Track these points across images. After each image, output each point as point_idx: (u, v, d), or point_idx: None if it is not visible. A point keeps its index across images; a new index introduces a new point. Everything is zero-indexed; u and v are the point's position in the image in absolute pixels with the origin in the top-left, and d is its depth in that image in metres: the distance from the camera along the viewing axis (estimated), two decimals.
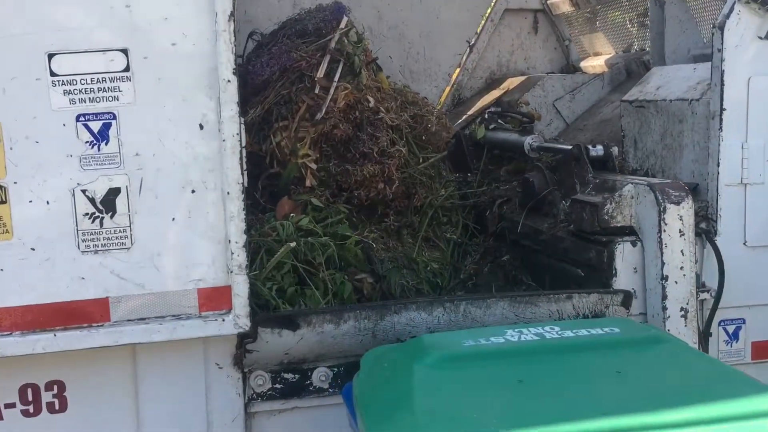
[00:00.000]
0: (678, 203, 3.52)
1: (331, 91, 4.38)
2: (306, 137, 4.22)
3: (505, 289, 4.38)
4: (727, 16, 3.66)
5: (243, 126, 3.13)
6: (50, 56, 2.88)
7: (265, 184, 4.30)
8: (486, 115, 5.79)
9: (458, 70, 6.88)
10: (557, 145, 4.68)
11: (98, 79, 2.92)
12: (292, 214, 3.60)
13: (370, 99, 4.53)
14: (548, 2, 7.01)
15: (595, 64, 6.75)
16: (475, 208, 5.09)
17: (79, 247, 2.96)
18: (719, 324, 3.78)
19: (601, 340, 2.67)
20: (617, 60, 6.38)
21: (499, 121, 5.67)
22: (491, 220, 4.88)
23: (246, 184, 3.17)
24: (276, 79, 4.37)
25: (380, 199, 4.39)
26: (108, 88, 2.93)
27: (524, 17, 7.04)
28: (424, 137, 4.81)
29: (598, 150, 4.16)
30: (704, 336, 3.72)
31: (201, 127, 3.01)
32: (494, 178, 5.41)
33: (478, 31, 6.88)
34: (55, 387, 3.17)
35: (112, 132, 2.95)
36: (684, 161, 4.06)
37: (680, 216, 3.52)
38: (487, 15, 6.91)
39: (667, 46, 5.33)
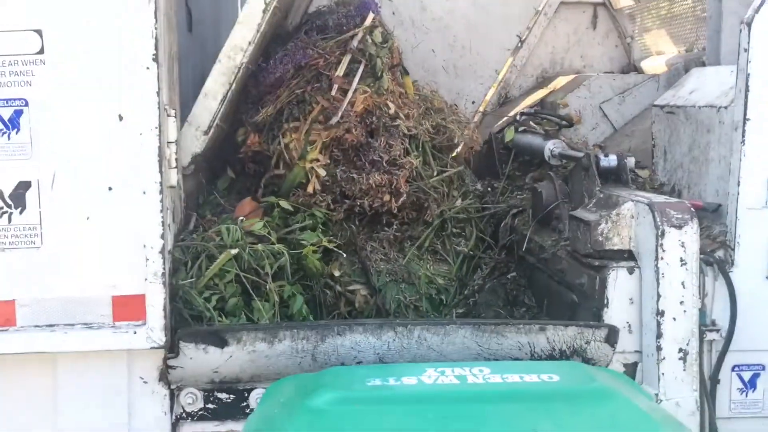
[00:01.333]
0: (680, 227, 3.01)
1: (349, 94, 4.01)
2: (317, 141, 3.88)
3: (503, 310, 3.95)
4: (757, 10, 3.10)
5: (174, 119, 2.85)
6: None
7: (267, 183, 4.00)
8: (519, 117, 5.33)
9: (506, 66, 6.39)
10: (574, 153, 4.19)
11: (9, 62, 2.68)
12: (241, 218, 3.29)
13: (391, 105, 4.13)
14: None
15: (656, 64, 6.13)
16: (494, 217, 4.65)
17: None
18: (732, 369, 3.23)
19: (531, 389, 2.23)
20: (677, 60, 5.76)
21: (532, 123, 5.20)
22: (503, 232, 4.43)
23: (174, 184, 2.88)
24: (290, 77, 4.04)
25: (385, 210, 4.03)
26: (20, 72, 2.69)
27: (582, 11, 6.46)
28: (444, 148, 4.40)
29: (610, 160, 3.67)
30: (712, 383, 3.18)
31: (120, 118, 2.74)
32: (519, 185, 4.96)
33: (530, 25, 6.36)
34: None
35: (23, 120, 2.72)
36: (710, 177, 3.51)
37: (682, 242, 3.00)
38: (540, 8, 6.38)
39: (724, 45, 4.71)
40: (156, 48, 2.67)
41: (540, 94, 6.08)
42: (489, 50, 6.35)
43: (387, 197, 3.97)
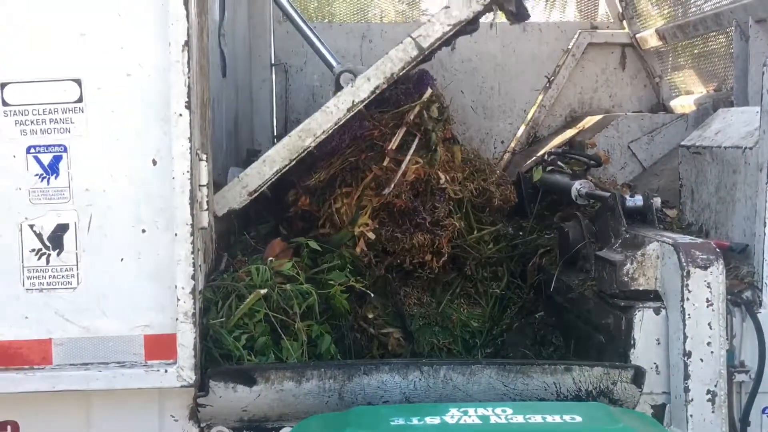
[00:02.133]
0: (705, 268, 3.01)
1: (403, 166, 4.08)
2: (368, 206, 3.97)
3: (531, 350, 3.95)
4: None
5: (206, 163, 2.93)
6: (3, 85, 2.79)
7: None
8: (546, 157, 5.36)
9: (535, 107, 6.46)
10: (600, 193, 4.21)
11: (50, 110, 2.80)
12: (271, 258, 3.36)
13: (441, 176, 4.20)
14: (637, 36, 6.47)
15: (685, 103, 6.14)
16: (523, 257, 4.67)
17: (23, 285, 2.83)
18: (763, 411, 3.20)
19: (553, 430, 2.24)
20: (706, 100, 5.77)
21: (559, 163, 5.23)
22: (531, 271, 4.45)
23: (206, 225, 2.97)
24: (345, 146, 4.15)
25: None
26: (60, 119, 2.81)
27: (611, 52, 6.52)
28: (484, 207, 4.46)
29: (636, 200, 3.69)
30: (742, 425, 3.15)
31: (154, 162, 2.83)
32: (548, 225, 4.98)
33: (559, 65, 6.43)
34: (9, 428, 3.04)
35: (62, 165, 2.82)
36: (736, 218, 3.51)
37: (707, 283, 3.01)
38: (569, 49, 6.45)
39: (751, 85, 4.73)
40: (188, 96, 2.77)
41: (568, 133, 6.12)
42: (517, 91, 6.43)
43: (429, 257, 4.03)
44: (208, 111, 3.22)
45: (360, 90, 3.51)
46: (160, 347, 2.87)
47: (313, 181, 4.02)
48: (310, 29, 4.86)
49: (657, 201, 3.69)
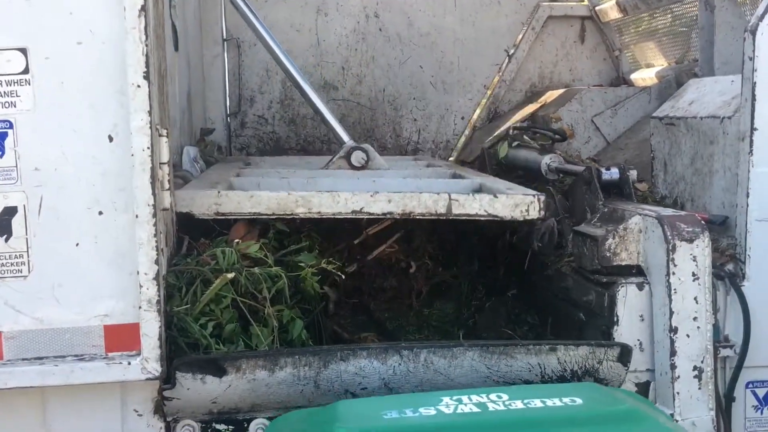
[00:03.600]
0: (691, 241, 2.92)
1: None
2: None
3: (506, 329, 3.85)
4: (761, 17, 3.04)
5: (166, 139, 2.72)
6: None
7: None
8: (511, 132, 5.25)
9: (495, 81, 6.33)
10: (572, 167, 4.11)
11: None
12: (237, 240, 3.17)
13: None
14: (597, 8, 6.38)
15: (646, 76, 6.09)
16: (493, 236, 4.55)
17: None
18: (746, 386, 3.15)
19: (558, 415, 2.12)
20: (668, 72, 5.72)
21: (525, 138, 5.12)
22: (501, 249, 4.33)
23: (168, 206, 2.76)
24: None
25: None
26: (4, 92, 2.56)
27: (570, 25, 6.43)
28: None
29: (612, 173, 3.59)
30: (726, 400, 3.09)
31: (110, 138, 2.61)
32: None
33: (518, 39, 6.31)
34: None
35: (8, 143, 2.58)
36: (714, 189, 3.44)
37: (693, 256, 2.92)
38: (529, 22, 6.34)
39: (717, 56, 4.68)
40: (147, 65, 2.55)
41: (530, 108, 6.02)
42: (477, 65, 6.30)
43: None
44: (166, 84, 3.00)
45: (376, 203, 3.34)
46: (122, 338, 2.66)
47: None
48: (317, 96, 4.66)
49: (633, 174, 3.60)
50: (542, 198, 3.41)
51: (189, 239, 3.29)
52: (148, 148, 2.57)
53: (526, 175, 5.01)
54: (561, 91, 5.97)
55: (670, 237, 2.92)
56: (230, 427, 2.92)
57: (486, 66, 6.31)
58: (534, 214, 3.38)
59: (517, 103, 6.40)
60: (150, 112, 2.56)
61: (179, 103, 4.42)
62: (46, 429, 2.81)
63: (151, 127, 2.58)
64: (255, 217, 3.28)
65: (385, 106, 6.22)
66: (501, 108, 6.41)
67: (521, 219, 3.39)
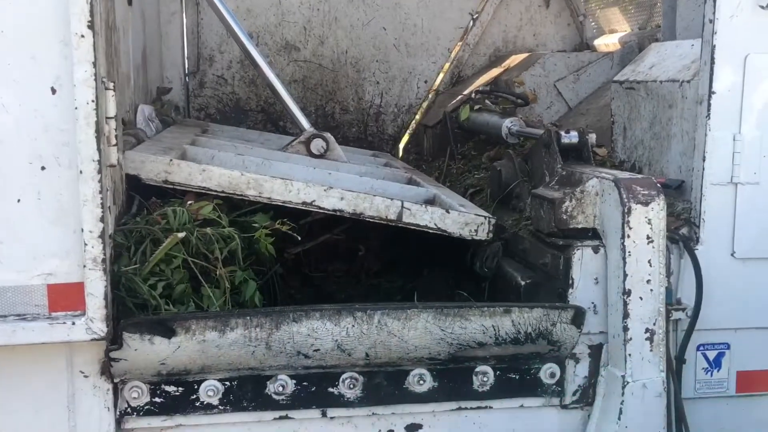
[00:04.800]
0: (646, 204, 2.91)
1: None
2: None
3: (444, 297, 3.79)
4: None
5: (113, 93, 2.63)
6: None
7: None
8: (473, 95, 5.21)
9: (459, 45, 6.27)
10: (532, 130, 4.09)
11: None
12: (189, 202, 3.09)
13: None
14: None
15: (609, 42, 6.08)
16: None
17: None
18: (697, 349, 3.17)
19: None
20: (631, 38, 5.70)
21: (487, 102, 5.09)
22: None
23: (115, 162, 2.68)
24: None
25: None
26: None
27: None
28: None
29: (571, 137, 3.56)
30: (678, 362, 3.11)
31: (53, 91, 2.52)
32: (475, 165, 4.85)
33: (483, 2, 6.24)
34: None
35: None
36: (672, 153, 3.43)
37: (648, 219, 2.91)
38: None
39: (680, 20, 4.65)
40: (91, 14, 2.45)
41: (493, 72, 5.97)
42: (441, 28, 6.22)
43: None
44: (114, 36, 2.90)
45: (328, 198, 3.33)
46: (66, 297, 2.59)
47: None
48: (275, 75, 4.52)
49: (592, 137, 3.57)
50: (493, 221, 3.45)
51: (140, 198, 3.21)
52: (93, 101, 2.48)
53: (486, 139, 5.00)
54: (524, 55, 5.93)
55: (625, 199, 2.90)
56: (180, 388, 2.88)
57: (450, 29, 6.24)
58: (482, 235, 3.42)
59: (481, 67, 6.35)
60: (95, 64, 2.47)
61: (133, 59, 4.30)
62: None
63: (96, 80, 2.48)
64: (204, 191, 3.21)
65: (348, 68, 6.13)
66: (464, 72, 6.36)
67: (469, 238, 3.41)
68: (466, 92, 5.66)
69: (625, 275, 2.92)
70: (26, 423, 2.78)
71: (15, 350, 2.69)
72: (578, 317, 2.92)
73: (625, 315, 2.93)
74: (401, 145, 6.22)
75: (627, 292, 2.92)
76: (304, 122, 4.44)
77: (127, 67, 4.09)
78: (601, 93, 5.46)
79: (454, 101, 5.64)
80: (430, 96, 6.23)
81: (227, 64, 5.94)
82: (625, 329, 2.94)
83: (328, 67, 6.07)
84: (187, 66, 5.87)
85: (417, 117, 6.22)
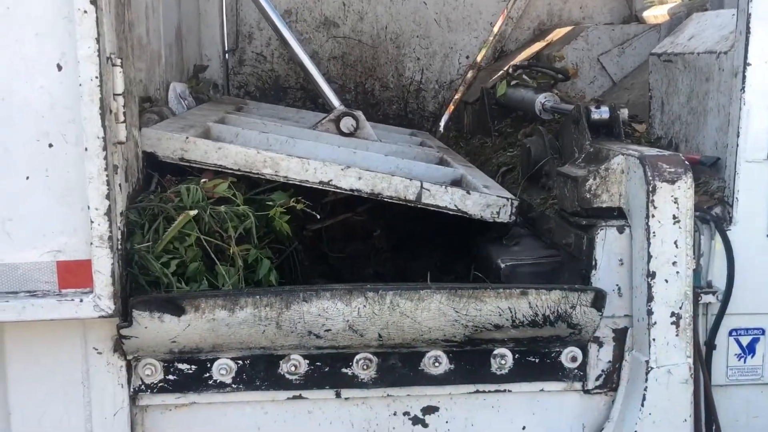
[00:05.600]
0: (672, 182, 2.77)
1: None
2: None
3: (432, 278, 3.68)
4: None
5: (120, 69, 2.61)
6: None
7: None
8: (511, 71, 5.07)
9: (502, 18, 6.10)
10: (566, 106, 3.95)
11: None
12: (204, 180, 3.07)
13: None
14: None
15: (658, 13, 5.82)
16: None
17: None
18: (729, 334, 3.02)
19: None
20: (681, 9, 5.46)
21: (525, 77, 4.94)
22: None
23: (123, 139, 2.66)
24: None
25: None
26: None
27: None
28: None
29: (602, 112, 3.42)
30: (707, 348, 2.97)
31: (59, 68, 2.50)
32: (511, 142, 4.72)
33: None
34: None
35: None
36: (708, 129, 3.26)
37: (675, 198, 2.77)
38: None
39: None
40: None
41: (536, 47, 5.80)
42: (483, 1, 6.07)
43: None
44: (127, 12, 2.87)
45: (345, 178, 3.25)
46: (75, 275, 2.60)
47: None
48: (304, 52, 4.48)
49: (624, 113, 3.42)
50: (516, 203, 3.33)
51: (158, 177, 3.20)
52: (97, 77, 2.46)
53: (524, 116, 4.86)
54: (568, 29, 5.74)
55: (650, 177, 2.77)
56: (193, 366, 2.88)
57: (492, 2, 6.08)
58: (504, 217, 3.31)
59: (524, 41, 6.18)
60: (98, 40, 2.45)
61: (164, 37, 4.29)
62: (3, 364, 2.78)
63: (99, 56, 2.46)
64: (220, 169, 3.18)
65: (388, 44, 6.03)
66: (507, 47, 6.19)
67: (490, 220, 3.30)
68: (506, 68, 5.52)
69: (650, 256, 2.79)
70: (42, 398, 2.81)
71: (31, 326, 2.72)
72: (599, 300, 2.81)
73: (650, 298, 2.80)
74: (442, 123, 6.12)
75: (651, 274, 2.79)
76: (334, 100, 4.39)
77: (157, 44, 4.08)
78: (647, 67, 5.25)
79: (494, 77, 5.50)
80: (471, 72, 6.09)
81: (266, 41, 5.91)
82: (650, 313, 2.81)
83: (368, 43, 5.99)
84: (226, 43, 5.86)
85: (458, 93, 6.10)
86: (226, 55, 5.88)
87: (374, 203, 3.49)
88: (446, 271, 3.55)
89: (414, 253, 3.75)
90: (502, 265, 3.15)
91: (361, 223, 3.76)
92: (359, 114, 4.28)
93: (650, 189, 2.76)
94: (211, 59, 5.73)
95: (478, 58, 6.11)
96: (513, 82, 4.91)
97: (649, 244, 2.78)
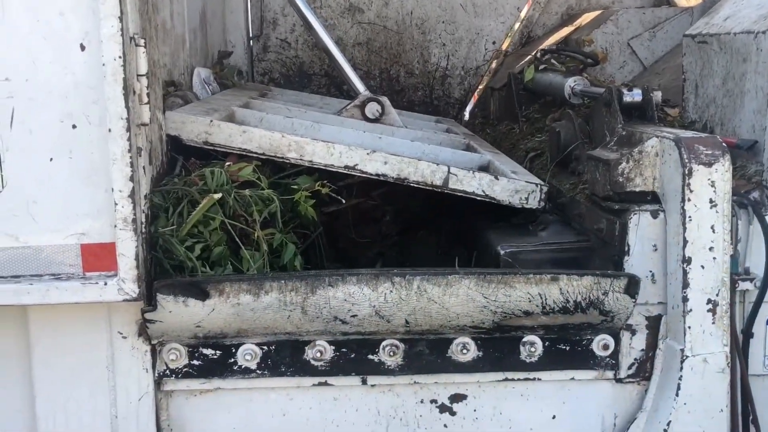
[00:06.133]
0: (710, 165, 2.69)
1: None
2: None
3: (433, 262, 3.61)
4: None
5: (144, 50, 2.57)
6: None
7: None
8: (540, 55, 4.98)
9: (529, 3, 6.00)
10: (596, 89, 3.86)
11: None
12: (228, 163, 3.03)
13: None
14: None
15: None
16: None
17: None
18: (767, 322, 2.93)
19: None
20: None
21: (553, 61, 4.85)
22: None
23: (147, 121, 2.62)
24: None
25: None
26: None
27: None
28: None
29: (634, 95, 3.34)
30: (744, 336, 2.89)
31: (82, 47, 2.47)
32: (539, 128, 4.64)
33: None
34: None
35: None
36: (745, 112, 3.17)
37: (712, 181, 2.69)
38: None
39: None
40: None
41: (564, 31, 5.71)
42: None
43: None
44: None
45: (371, 162, 3.19)
46: (99, 258, 2.57)
47: None
48: (329, 37, 4.44)
49: (657, 95, 3.34)
50: (545, 188, 3.26)
51: (183, 160, 3.17)
52: (120, 57, 2.43)
53: (552, 101, 4.77)
54: (597, 12, 5.63)
55: (686, 160, 2.68)
56: (218, 351, 2.84)
57: None
58: (533, 203, 3.24)
59: (552, 27, 6.07)
60: (121, 19, 2.41)
61: (189, 21, 4.25)
62: (29, 350, 2.77)
63: (123, 35, 2.42)
64: (244, 153, 3.14)
65: (413, 30, 5.96)
66: (534, 32, 6.09)
67: (519, 206, 3.24)
68: (533, 53, 5.42)
69: (685, 242, 2.71)
70: (66, 382, 2.79)
71: (56, 310, 2.70)
72: (632, 286, 2.73)
73: (685, 285, 2.72)
74: (467, 109, 6.03)
75: (687, 260, 2.71)
76: (360, 86, 4.33)
77: (181, 29, 4.05)
78: (679, 51, 5.13)
79: (522, 62, 5.41)
80: (497, 58, 6.00)
81: (290, 28, 5.86)
82: (685, 300, 2.73)
83: (393, 29, 5.92)
84: (250, 29, 5.81)
85: (484, 80, 6.01)
86: (251, 41, 5.84)
87: (389, 187, 3.43)
88: (448, 258, 3.48)
89: (418, 238, 3.69)
90: (502, 252, 3.06)
91: (373, 207, 3.69)
92: (384, 100, 4.23)
93: (686, 172, 2.68)
94: (235, 45, 5.70)
95: (505, 44, 6.02)
96: (541, 67, 4.82)
97: (684, 229, 2.70)
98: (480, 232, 3.40)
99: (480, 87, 5.97)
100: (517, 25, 6.03)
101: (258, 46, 5.88)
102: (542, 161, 4.04)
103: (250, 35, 5.81)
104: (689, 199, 2.69)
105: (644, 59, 5.22)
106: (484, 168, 3.61)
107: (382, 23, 5.91)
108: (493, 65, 5.98)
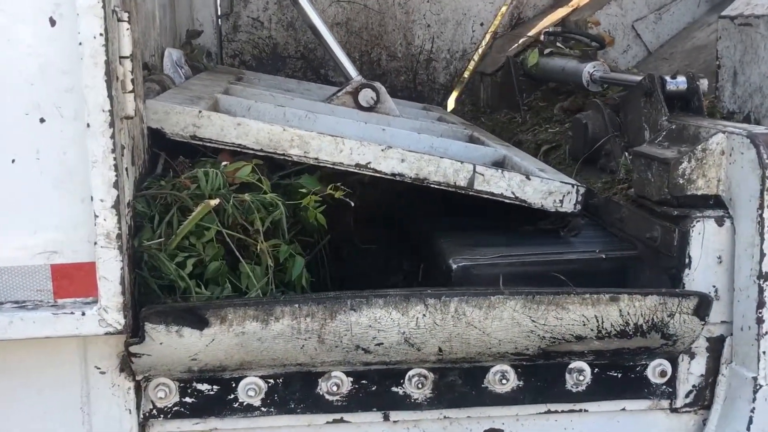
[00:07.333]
0: None
1: None
2: None
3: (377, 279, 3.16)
4: None
5: (127, 25, 2.09)
6: None
7: None
8: (542, 38, 4.60)
9: None
10: (623, 76, 3.49)
11: None
12: (225, 163, 2.57)
13: None
14: None
15: None
16: None
17: None
18: None
19: None
20: None
21: (558, 45, 4.48)
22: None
23: (132, 113, 2.15)
24: None
25: None
26: None
27: None
28: None
29: (679, 83, 2.97)
30: None
31: (53, 22, 1.99)
32: (546, 117, 4.26)
33: None
34: None
35: None
36: None
37: None
38: None
39: None
40: None
41: (559, 12, 5.31)
42: None
43: None
44: None
45: (386, 160, 2.75)
46: (75, 281, 2.10)
47: None
48: (318, 15, 3.98)
49: (704, 83, 2.98)
50: (582, 190, 2.84)
51: (166, 158, 2.70)
52: (101, 34, 1.95)
53: (557, 87, 4.41)
54: None
55: (766, 160, 2.32)
56: (215, 386, 2.40)
57: None
58: (568, 206, 2.83)
59: (544, 7, 5.69)
60: None
61: None
62: None
63: (104, 8, 1.94)
64: (239, 149, 2.68)
65: (395, 9, 5.50)
66: (525, 13, 5.69)
67: (552, 210, 2.83)
68: (530, 34, 5.04)
69: (762, 254, 2.35)
70: (35, 426, 2.32)
71: (18, 341, 2.21)
72: (703, 307, 2.37)
73: (761, 304, 2.37)
74: (453, 95, 5.63)
75: (764, 276, 2.36)
76: (352, 70, 3.89)
77: (151, 3, 3.55)
78: (687, 34, 4.81)
79: (516, 45, 5.02)
80: (486, 40, 5.59)
81: (263, 5, 5.36)
82: (759, 321, 2.38)
83: (374, 8, 5.46)
84: (219, 7, 5.31)
85: (472, 64, 5.61)
86: (219, 20, 5.33)
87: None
88: (394, 270, 3.07)
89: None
90: (454, 266, 2.66)
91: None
92: (379, 86, 3.80)
93: (766, 174, 2.32)
94: (203, 24, 5.19)
95: (494, 26, 5.62)
96: (546, 51, 4.44)
97: (762, 240, 2.34)
98: (426, 240, 2.98)
99: (467, 71, 5.58)
100: (505, 7, 5.65)
101: (228, 26, 5.36)
102: (559, 155, 3.66)
103: (219, 13, 5.30)
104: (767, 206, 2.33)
105: (649, 43, 4.91)
106: (500, 163, 3.22)
107: (362, 2, 5.45)
108: (482, 48, 5.59)
